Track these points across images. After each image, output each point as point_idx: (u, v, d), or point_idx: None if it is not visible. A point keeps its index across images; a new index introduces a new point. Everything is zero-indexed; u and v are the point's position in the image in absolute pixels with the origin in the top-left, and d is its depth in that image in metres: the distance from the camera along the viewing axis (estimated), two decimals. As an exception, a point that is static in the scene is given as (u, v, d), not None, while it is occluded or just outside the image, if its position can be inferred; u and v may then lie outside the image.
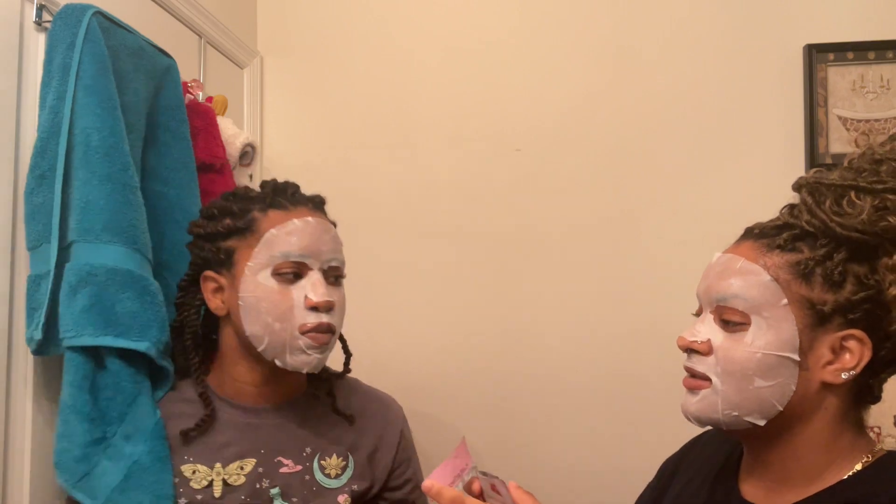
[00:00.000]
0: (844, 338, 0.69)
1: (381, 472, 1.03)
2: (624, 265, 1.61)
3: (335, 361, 1.05)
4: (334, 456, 0.98)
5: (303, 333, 0.90)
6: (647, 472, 0.98)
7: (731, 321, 0.71)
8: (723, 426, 0.73)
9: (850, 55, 1.57)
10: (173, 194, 1.16)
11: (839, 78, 1.58)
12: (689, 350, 0.74)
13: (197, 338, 0.99)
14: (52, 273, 0.94)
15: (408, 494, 1.05)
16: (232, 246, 0.94)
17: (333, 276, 0.95)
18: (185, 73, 1.32)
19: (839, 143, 1.57)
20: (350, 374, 1.09)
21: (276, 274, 0.90)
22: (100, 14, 1.03)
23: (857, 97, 1.58)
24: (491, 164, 1.66)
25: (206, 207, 1.00)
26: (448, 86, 1.69)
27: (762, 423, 0.71)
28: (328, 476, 0.96)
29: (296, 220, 0.93)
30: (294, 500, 0.94)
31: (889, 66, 1.57)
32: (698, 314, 0.77)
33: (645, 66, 1.63)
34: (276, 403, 0.99)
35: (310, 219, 0.94)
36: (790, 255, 0.71)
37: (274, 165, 1.72)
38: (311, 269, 0.92)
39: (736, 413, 0.71)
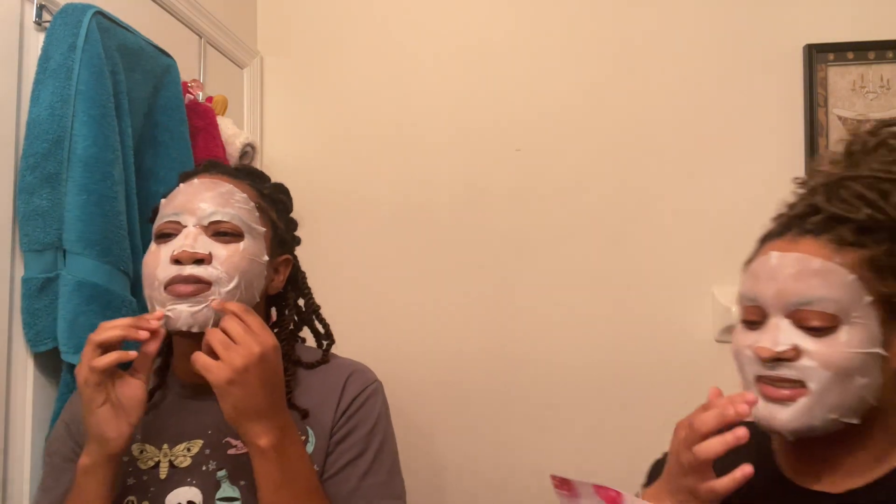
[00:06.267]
0: None
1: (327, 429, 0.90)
2: (624, 264, 1.61)
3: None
4: None
5: (166, 289, 0.82)
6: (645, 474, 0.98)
7: (817, 326, 0.69)
8: (818, 431, 0.70)
9: (850, 55, 1.57)
10: None
11: (839, 78, 1.58)
12: (775, 360, 0.70)
13: None
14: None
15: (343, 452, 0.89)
16: None
17: (215, 230, 0.85)
18: (185, 73, 1.32)
19: (839, 143, 1.57)
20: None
21: (157, 237, 0.87)
22: (100, 14, 1.03)
23: (857, 97, 1.58)
24: (491, 164, 1.66)
25: None
26: (448, 85, 1.69)
27: (857, 420, 0.69)
28: None
29: (181, 185, 0.89)
30: (242, 483, 0.85)
31: (889, 66, 1.57)
32: (754, 321, 0.74)
33: (645, 66, 1.63)
34: None
35: (195, 181, 0.89)
36: (862, 251, 0.70)
37: (274, 165, 1.72)
38: (185, 226, 0.85)
39: (835, 416, 0.69)
